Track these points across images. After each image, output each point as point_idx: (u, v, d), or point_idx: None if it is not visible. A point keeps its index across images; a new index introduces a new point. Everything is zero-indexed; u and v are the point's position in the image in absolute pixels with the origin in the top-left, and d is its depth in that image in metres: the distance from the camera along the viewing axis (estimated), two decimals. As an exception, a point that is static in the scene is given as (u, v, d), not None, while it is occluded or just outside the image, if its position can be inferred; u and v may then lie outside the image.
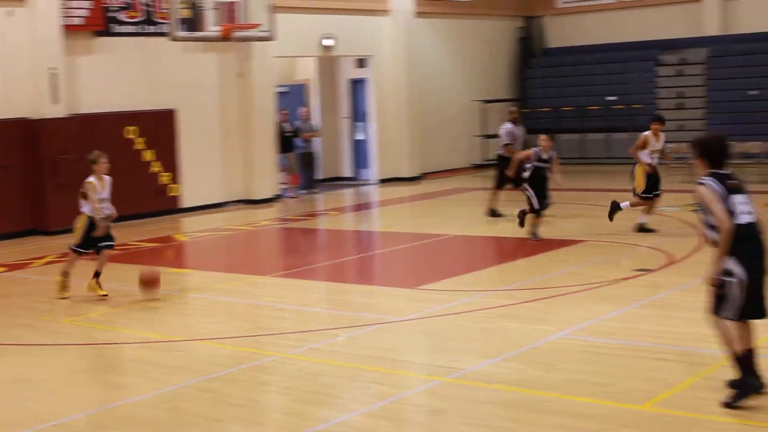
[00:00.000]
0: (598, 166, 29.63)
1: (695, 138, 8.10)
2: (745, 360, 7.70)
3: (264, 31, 22.90)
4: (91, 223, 13.06)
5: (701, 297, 11.36)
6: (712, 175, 7.77)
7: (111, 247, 13.31)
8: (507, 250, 16.34)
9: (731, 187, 7.73)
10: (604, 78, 30.95)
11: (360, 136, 28.84)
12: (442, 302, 11.96)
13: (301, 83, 29.12)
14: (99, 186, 13.03)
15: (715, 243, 7.71)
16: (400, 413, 8.10)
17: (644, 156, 16.58)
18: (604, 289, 12.29)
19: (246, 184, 24.03)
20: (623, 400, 7.93)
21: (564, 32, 32.90)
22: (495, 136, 31.37)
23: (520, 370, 8.97)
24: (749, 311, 7.70)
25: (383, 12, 27.58)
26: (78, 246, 13.16)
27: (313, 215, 22.18)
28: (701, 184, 7.74)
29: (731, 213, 7.61)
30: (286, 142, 24.99)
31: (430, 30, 29.30)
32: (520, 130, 20.07)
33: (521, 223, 16.66)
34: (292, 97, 27.99)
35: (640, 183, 16.53)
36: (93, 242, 13.13)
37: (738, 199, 7.70)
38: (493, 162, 22.05)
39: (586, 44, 32.04)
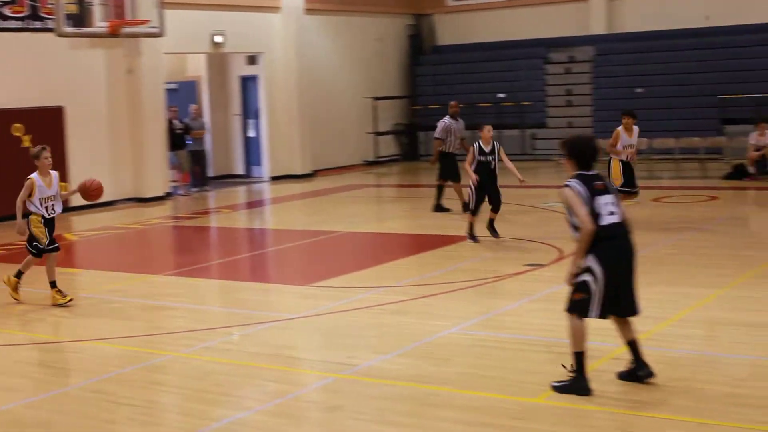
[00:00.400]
0: (489, 162, 29.92)
1: (564, 139, 8.29)
2: (583, 360, 7.95)
3: (153, 27, 22.66)
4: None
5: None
6: (578, 176, 7.97)
7: (58, 249, 12.66)
8: (400, 247, 16.44)
9: (597, 188, 7.91)
10: (494, 75, 31.30)
11: (251, 134, 28.72)
12: (336, 299, 11.99)
13: (191, 80, 28.89)
14: (43, 183, 12.33)
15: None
16: (296, 410, 8.11)
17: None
18: (495, 285, 12.46)
19: (136, 182, 23.76)
20: (515, 393, 8.05)
21: (454, 30, 33.18)
22: (387, 133, 31.68)
23: (414, 365, 9.05)
24: (614, 309, 7.96)
25: (274, 9, 27.49)
26: (44, 247, 12.35)
27: (205, 213, 22.03)
28: (566, 185, 7.94)
29: (597, 214, 7.80)
30: (176, 140, 24.77)
31: (321, 27, 29.30)
32: (459, 125, 19.83)
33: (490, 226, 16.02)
34: (182, 94, 27.75)
35: (617, 178, 16.25)
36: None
37: (604, 200, 7.88)
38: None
39: (476, 42, 32.37)
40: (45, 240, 12.42)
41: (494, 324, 10.51)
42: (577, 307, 7.94)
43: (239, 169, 29.09)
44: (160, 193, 23.87)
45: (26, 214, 12.51)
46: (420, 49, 33.20)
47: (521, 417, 7.53)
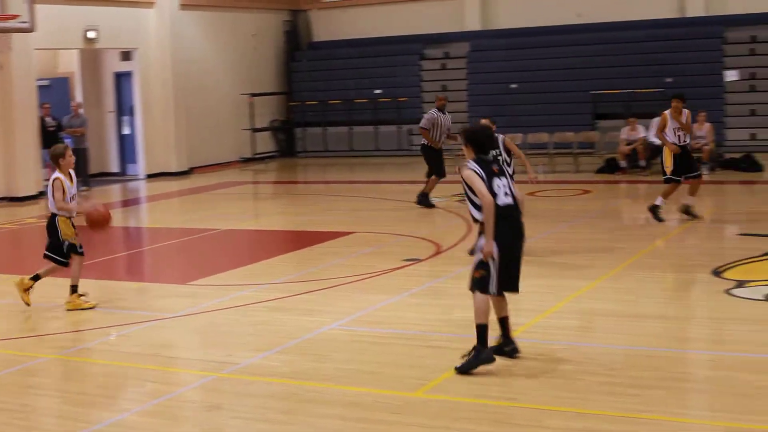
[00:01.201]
0: (366, 158, 30.11)
1: (464, 127, 9.01)
2: (486, 332, 8.45)
3: (23, 22, 22.18)
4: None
5: (463, 284, 11.81)
6: (477, 160, 8.55)
7: (83, 253, 12.00)
8: (278, 244, 16.42)
9: (494, 171, 8.52)
10: (371, 71, 31.42)
11: (126, 131, 28.32)
12: (214, 297, 11.94)
13: (64, 76, 28.35)
14: (68, 183, 11.80)
15: (480, 222, 8.43)
16: (175, 410, 8.06)
17: (669, 136, 15.90)
18: (374, 280, 12.54)
19: (7, 181, 23.25)
20: (395, 388, 8.13)
21: (330, 26, 33.21)
22: (264, 129, 31.56)
23: (294, 362, 9.07)
24: (504, 286, 8.53)
25: (148, 4, 27.14)
26: (69, 251, 11.77)
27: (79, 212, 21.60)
28: (466, 167, 8.51)
29: (494, 195, 8.38)
30: (49, 137, 24.27)
31: (197, 22, 29.05)
32: (446, 118, 19.51)
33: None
34: (54, 90, 27.20)
35: (668, 165, 15.89)
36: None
37: (499, 183, 8.49)
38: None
39: (353, 38, 32.44)
40: (77, 242, 11.90)
41: (373, 319, 10.58)
42: (478, 285, 8.45)
43: (114, 167, 28.67)
44: (33, 192, 23.37)
45: (52, 215, 11.91)
46: (296, 45, 33.16)
47: (400, 412, 7.61)
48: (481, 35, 30.66)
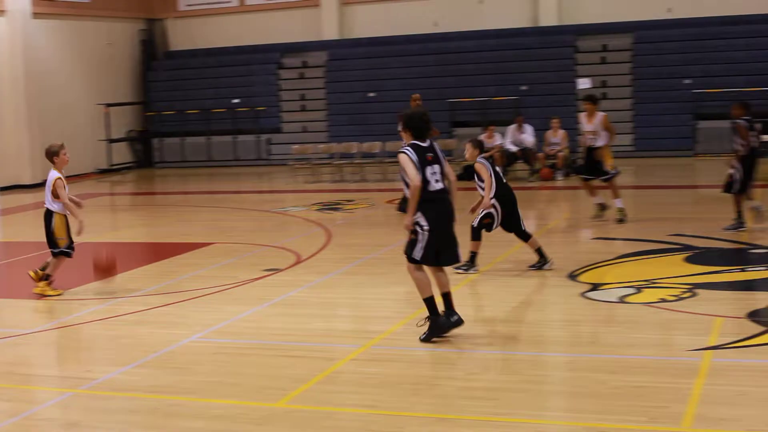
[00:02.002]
0: (225, 168, 29.92)
1: (403, 112, 9.73)
2: (433, 302, 9.45)
3: None
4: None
5: (329, 294, 11.87)
6: (412, 145, 9.35)
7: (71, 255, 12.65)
8: (137, 256, 16.16)
9: (428, 159, 9.31)
10: (229, 81, 31.29)
11: (-23, 142, 27.57)
12: (71, 312, 11.69)
13: None
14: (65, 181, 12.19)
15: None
16: (32, 429, 7.85)
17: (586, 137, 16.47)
18: (234, 291, 12.45)
19: None
20: (258, 399, 8.08)
21: (187, 35, 32.96)
22: (120, 140, 31.07)
23: (154, 375, 8.94)
24: (436, 259, 9.44)
25: (-3, 12, 26.53)
26: (68, 247, 12.51)
27: (-73, 227, 20.98)
28: (401, 152, 9.32)
29: (426, 181, 9.22)
30: None
31: (50, 31, 28.48)
32: None
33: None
34: None
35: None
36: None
37: (431, 170, 9.30)
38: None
39: (210, 47, 32.27)
40: (66, 242, 12.48)
41: (234, 330, 10.51)
42: (407, 249, 9.43)
43: (-36, 180, 27.90)
44: None
45: (48, 213, 12.50)
46: (152, 54, 32.78)
47: (263, 423, 7.57)
48: (340, 44, 30.81)
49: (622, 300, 10.96)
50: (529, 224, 16.17)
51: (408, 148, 9.33)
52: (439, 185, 9.38)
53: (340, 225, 17.57)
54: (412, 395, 7.99)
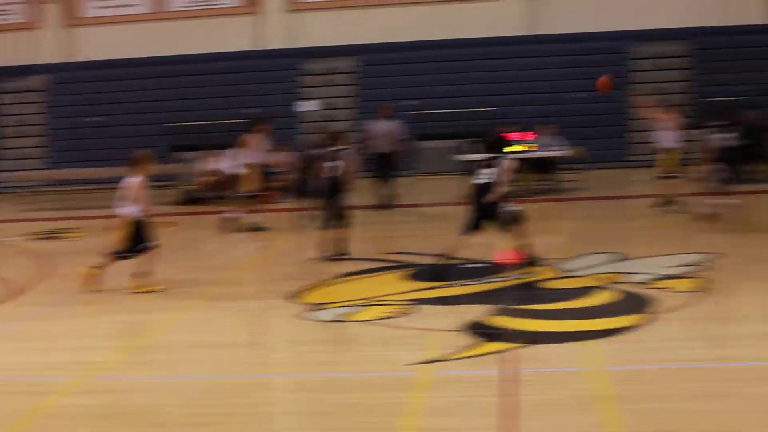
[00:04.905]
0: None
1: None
2: None
3: None
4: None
5: (47, 326, 11.49)
6: None
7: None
8: None
9: None
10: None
11: None
12: None
13: None
14: None
15: None
16: None
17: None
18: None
19: None
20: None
21: None
22: None
23: None
24: None
25: None
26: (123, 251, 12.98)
27: None
28: None
29: None
30: None
31: None
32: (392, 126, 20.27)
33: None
34: None
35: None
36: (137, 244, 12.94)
37: None
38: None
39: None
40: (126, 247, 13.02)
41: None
42: None
43: None
44: None
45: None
46: None
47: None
48: (62, 68, 29.97)
49: (343, 319, 11.14)
50: (251, 247, 16.32)
51: None
52: None
53: (61, 254, 17.02)
54: (135, 425, 7.85)
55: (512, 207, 13.44)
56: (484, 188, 13.15)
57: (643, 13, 28.56)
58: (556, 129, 23.10)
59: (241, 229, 17.92)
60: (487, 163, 13.28)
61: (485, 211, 13.15)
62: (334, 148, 14.87)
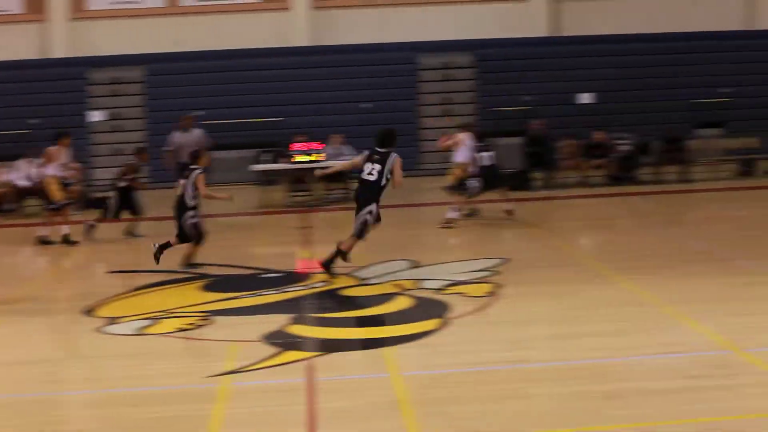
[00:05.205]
0: None
1: None
2: None
3: None
4: None
5: None
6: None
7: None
8: None
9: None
10: None
11: None
12: None
13: None
14: None
15: None
16: None
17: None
18: None
19: None
20: None
21: None
22: None
23: None
24: None
25: None
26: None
27: None
28: None
29: None
30: None
31: None
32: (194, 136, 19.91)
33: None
34: None
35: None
36: None
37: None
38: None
39: None
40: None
41: None
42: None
43: None
44: None
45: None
46: None
47: None
48: None
49: (140, 332, 10.96)
50: (43, 260, 15.88)
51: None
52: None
53: None
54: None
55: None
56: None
57: (431, 24, 29.19)
58: (344, 138, 23.34)
59: (37, 242, 17.42)
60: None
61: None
62: (192, 168, 14.68)
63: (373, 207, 13.39)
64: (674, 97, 28.37)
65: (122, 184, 17.89)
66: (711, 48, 29.12)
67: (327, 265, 13.41)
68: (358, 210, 13.45)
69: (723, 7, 29.95)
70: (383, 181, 13.38)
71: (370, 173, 13.42)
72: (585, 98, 28.40)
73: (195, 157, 14.80)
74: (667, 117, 27.16)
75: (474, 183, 18.21)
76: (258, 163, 23.08)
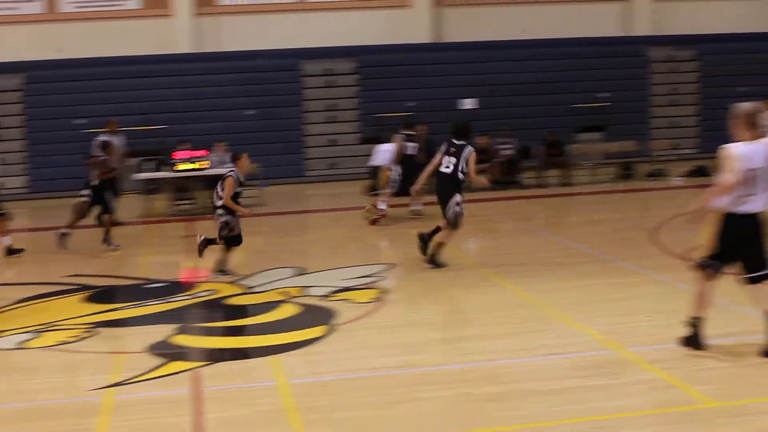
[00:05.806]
0: None
1: None
2: None
3: None
4: None
5: None
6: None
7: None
8: None
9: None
10: None
11: None
12: None
13: None
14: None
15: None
16: None
17: None
18: None
19: None
20: None
21: None
22: None
23: None
24: None
25: None
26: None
27: None
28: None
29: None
30: None
31: None
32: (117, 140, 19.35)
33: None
34: None
35: None
36: None
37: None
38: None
39: None
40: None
41: None
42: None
43: None
44: None
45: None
46: None
47: None
48: None
49: (20, 346, 10.74)
50: None
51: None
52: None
53: None
54: None
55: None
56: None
57: (314, 31, 29.17)
58: (228, 146, 23.17)
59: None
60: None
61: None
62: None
63: (458, 198, 13.73)
64: (555, 102, 28.92)
65: (96, 182, 17.22)
66: (589, 54, 29.66)
67: (433, 261, 13.98)
68: (442, 205, 13.82)
69: (600, 13, 30.57)
70: (459, 174, 13.73)
71: (447, 166, 13.82)
72: (468, 104, 28.77)
73: (234, 159, 14.16)
74: (549, 122, 27.62)
75: (395, 175, 19.03)
76: (140, 171, 22.78)
